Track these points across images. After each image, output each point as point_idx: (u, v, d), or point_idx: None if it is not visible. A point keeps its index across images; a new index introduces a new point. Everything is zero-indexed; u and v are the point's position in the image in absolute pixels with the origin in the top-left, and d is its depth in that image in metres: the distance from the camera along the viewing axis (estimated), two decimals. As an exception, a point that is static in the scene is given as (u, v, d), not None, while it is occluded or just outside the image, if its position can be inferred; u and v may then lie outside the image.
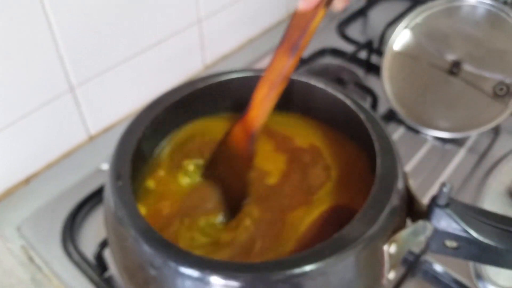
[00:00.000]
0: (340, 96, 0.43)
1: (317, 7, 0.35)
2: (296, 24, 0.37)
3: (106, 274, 0.47)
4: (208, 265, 0.31)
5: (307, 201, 0.41)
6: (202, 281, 0.30)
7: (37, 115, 0.54)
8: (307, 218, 0.40)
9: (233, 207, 0.41)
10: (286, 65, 0.37)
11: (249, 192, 0.41)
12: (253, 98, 0.40)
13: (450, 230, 0.34)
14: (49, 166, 0.59)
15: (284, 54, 0.37)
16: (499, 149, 0.59)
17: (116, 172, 0.36)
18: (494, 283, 0.45)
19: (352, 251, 0.31)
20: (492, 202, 0.52)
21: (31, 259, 0.50)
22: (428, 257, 0.47)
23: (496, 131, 0.62)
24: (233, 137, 0.42)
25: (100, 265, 0.46)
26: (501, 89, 0.58)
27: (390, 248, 0.33)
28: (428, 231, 0.35)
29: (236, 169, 0.41)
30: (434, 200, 0.34)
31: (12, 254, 0.50)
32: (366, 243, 0.32)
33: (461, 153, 0.60)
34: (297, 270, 0.30)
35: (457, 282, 0.46)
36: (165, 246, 0.32)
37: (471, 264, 0.47)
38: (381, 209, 0.33)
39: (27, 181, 0.57)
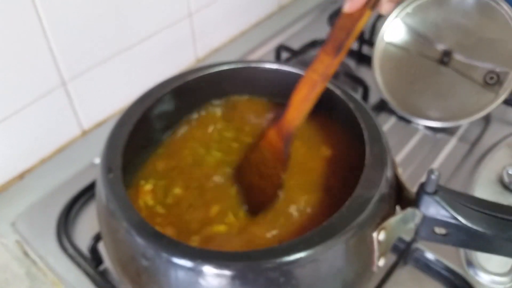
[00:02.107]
0: (330, 86, 0.43)
1: (363, 9, 0.36)
2: (341, 25, 0.37)
3: (101, 267, 0.47)
4: (199, 255, 0.31)
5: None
6: (194, 270, 0.31)
7: (29, 110, 0.54)
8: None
9: (255, 207, 0.41)
10: (329, 65, 0.38)
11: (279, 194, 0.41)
12: (292, 99, 0.40)
13: (439, 217, 0.35)
14: (43, 161, 0.59)
15: (328, 54, 0.38)
16: (490, 137, 0.60)
17: (107, 165, 0.37)
18: (484, 270, 0.46)
19: (341, 239, 0.32)
20: (483, 190, 0.53)
21: (26, 254, 0.50)
22: (420, 245, 0.48)
23: (487, 119, 0.62)
24: (268, 140, 0.42)
25: (95, 258, 0.47)
26: (492, 78, 0.58)
27: (379, 235, 0.34)
28: (417, 218, 0.36)
29: (268, 172, 0.41)
30: (422, 188, 0.35)
31: (6, 250, 0.51)
32: (355, 230, 0.32)
33: (452, 142, 0.60)
34: (287, 258, 0.30)
35: (448, 269, 0.46)
36: (156, 237, 0.32)
37: (462, 251, 0.48)
38: (370, 197, 0.34)
39: (21, 176, 0.57)
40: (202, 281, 0.31)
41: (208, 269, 0.30)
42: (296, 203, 0.40)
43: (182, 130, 0.47)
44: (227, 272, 0.30)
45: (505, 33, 0.57)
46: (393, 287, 0.45)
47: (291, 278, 0.31)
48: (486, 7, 0.58)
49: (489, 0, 0.58)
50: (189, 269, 0.31)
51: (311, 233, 0.32)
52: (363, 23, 0.37)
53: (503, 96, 0.57)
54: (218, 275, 0.30)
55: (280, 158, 0.41)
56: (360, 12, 0.36)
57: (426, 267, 0.47)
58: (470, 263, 0.47)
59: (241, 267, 0.30)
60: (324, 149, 0.45)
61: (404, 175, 0.39)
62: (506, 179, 0.53)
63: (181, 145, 0.46)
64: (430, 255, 0.47)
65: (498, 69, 0.58)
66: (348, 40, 0.37)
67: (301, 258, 0.30)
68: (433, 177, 0.34)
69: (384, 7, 0.37)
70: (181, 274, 0.31)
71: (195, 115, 0.48)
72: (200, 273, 0.31)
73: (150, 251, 0.32)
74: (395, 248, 0.48)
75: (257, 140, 0.43)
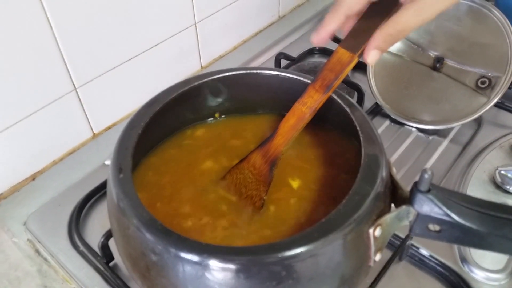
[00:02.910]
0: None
1: (352, 56, 0.40)
2: (331, 68, 0.42)
3: (111, 263, 0.49)
4: (205, 250, 0.32)
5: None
6: (201, 264, 0.32)
7: (41, 114, 0.56)
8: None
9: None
10: (318, 100, 0.42)
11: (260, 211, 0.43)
12: (280, 127, 0.44)
13: (433, 214, 0.35)
14: (54, 163, 0.61)
15: (317, 91, 0.42)
16: (482, 139, 0.61)
17: (118, 165, 0.38)
18: (479, 267, 0.47)
19: (339, 234, 0.33)
20: (476, 190, 0.54)
21: (37, 252, 0.52)
22: (415, 241, 0.49)
23: (478, 122, 0.63)
24: (251, 163, 0.44)
25: (105, 254, 0.48)
26: (483, 82, 0.59)
27: (375, 231, 0.35)
28: (411, 216, 0.37)
29: (249, 193, 0.43)
30: (416, 186, 0.36)
31: (18, 248, 0.52)
32: (352, 226, 0.34)
33: (445, 143, 0.62)
34: (288, 253, 0.32)
35: (443, 265, 0.48)
36: (165, 233, 0.33)
37: (456, 248, 0.49)
38: (366, 195, 0.35)
39: (33, 177, 0.59)
40: (208, 275, 0.32)
41: (214, 263, 0.32)
42: (293, 204, 0.42)
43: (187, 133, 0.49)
44: (231, 266, 0.32)
45: (496, 38, 0.58)
46: (389, 282, 0.47)
47: (292, 272, 0.32)
48: (478, 13, 0.59)
49: (480, 6, 0.59)
50: (195, 263, 0.32)
51: (311, 229, 0.33)
52: (351, 68, 0.41)
53: (494, 100, 0.58)
54: (223, 269, 0.32)
55: (263, 180, 0.43)
56: (350, 59, 0.40)
57: (421, 263, 0.48)
58: (464, 260, 0.48)
59: (245, 261, 0.32)
60: (320, 151, 0.46)
61: (398, 175, 0.40)
62: (498, 179, 0.54)
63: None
64: (424, 252, 0.48)
65: (489, 74, 0.59)
66: (336, 81, 0.41)
67: (301, 253, 0.32)
68: (426, 176, 0.34)
69: (370, 56, 0.40)
70: (188, 268, 0.32)
71: (200, 120, 0.50)
72: (206, 267, 0.32)
73: (159, 246, 0.33)
74: (390, 245, 0.49)
75: (238, 163, 0.45)
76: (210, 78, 0.46)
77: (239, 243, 0.39)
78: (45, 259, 0.51)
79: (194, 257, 0.32)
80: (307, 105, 0.42)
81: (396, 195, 0.39)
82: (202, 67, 0.77)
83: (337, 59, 0.41)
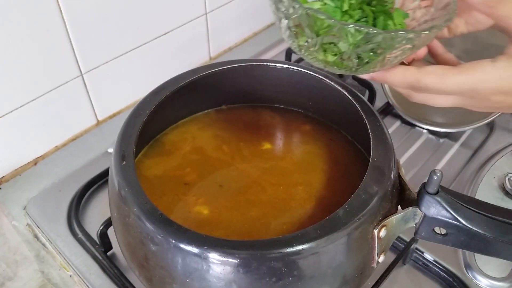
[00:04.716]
0: (338, 87, 0.44)
1: None
2: None
3: (109, 253, 0.48)
4: (206, 242, 0.32)
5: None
6: (200, 257, 0.32)
7: (46, 99, 0.56)
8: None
9: None
10: None
11: None
12: None
13: (440, 217, 0.35)
14: (57, 149, 0.60)
15: None
16: (493, 145, 0.60)
17: (121, 153, 0.38)
18: (483, 274, 0.46)
19: (343, 233, 0.33)
20: (484, 195, 0.53)
21: (36, 237, 0.51)
22: (419, 245, 0.48)
23: (490, 127, 0.63)
24: None
25: (104, 243, 0.48)
26: (498, 86, 0.59)
27: (380, 232, 0.35)
28: (418, 218, 0.36)
29: None
30: (424, 187, 0.35)
31: (18, 232, 0.52)
32: (356, 225, 0.33)
33: (455, 147, 0.61)
34: (290, 249, 0.31)
35: (447, 271, 0.47)
36: (165, 223, 0.33)
37: (461, 254, 0.48)
38: (373, 194, 0.35)
39: (34, 162, 0.59)
40: (207, 267, 0.32)
41: (214, 256, 0.31)
42: (301, 201, 0.42)
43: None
44: (231, 260, 0.31)
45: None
46: (391, 286, 0.46)
47: (293, 269, 0.32)
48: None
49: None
50: (195, 255, 0.32)
51: (314, 227, 0.32)
52: None
53: (508, 105, 0.57)
54: (223, 262, 0.31)
55: None
56: None
57: (425, 268, 0.48)
58: (468, 266, 0.47)
59: (245, 255, 0.31)
60: (330, 150, 0.46)
61: (406, 177, 0.39)
62: (508, 185, 0.53)
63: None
64: (429, 256, 0.48)
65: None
66: None
67: (303, 250, 0.31)
68: (435, 177, 0.34)
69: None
70: (187, 260, 0.32)
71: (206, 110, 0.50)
72: (205, 260, 0.31)
73: (158, 236, 0.33)
74: (394, 248, 0.48)
75: None
76: (219, 68, 0.46)
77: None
78: (44, 245, 0.50)
79: (193, 249, 0.32)
80: None
81: (403, 196, 0.39)
82: (211, 58, 0.76)
83: None
